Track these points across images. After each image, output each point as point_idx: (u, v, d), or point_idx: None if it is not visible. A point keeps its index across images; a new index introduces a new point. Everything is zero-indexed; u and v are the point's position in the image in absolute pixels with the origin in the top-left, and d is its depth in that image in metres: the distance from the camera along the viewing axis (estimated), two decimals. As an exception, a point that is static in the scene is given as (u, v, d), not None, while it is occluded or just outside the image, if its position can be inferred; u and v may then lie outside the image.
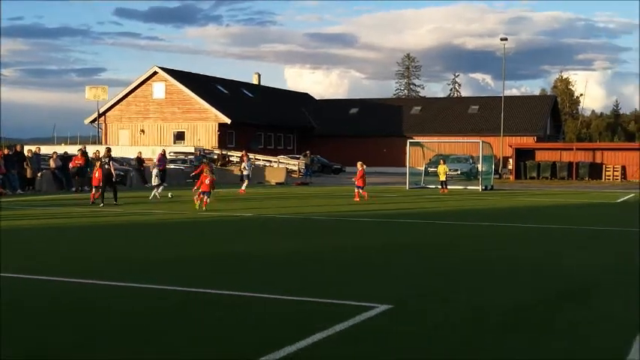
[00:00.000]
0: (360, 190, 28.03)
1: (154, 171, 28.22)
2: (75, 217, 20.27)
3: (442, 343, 6.88)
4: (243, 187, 32.44)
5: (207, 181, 22.49)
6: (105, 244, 14.21)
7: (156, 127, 61.35)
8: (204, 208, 22.05)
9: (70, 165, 33.29)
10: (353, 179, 30.33)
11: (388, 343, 6.85)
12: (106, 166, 24.14)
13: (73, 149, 42.24)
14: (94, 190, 24.82)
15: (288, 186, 40.36)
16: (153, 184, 27.95)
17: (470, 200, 28.83)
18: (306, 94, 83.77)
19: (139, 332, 7.24)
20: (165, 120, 61.09)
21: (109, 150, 25.24)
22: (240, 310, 8.30)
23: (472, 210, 24.11)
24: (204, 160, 34.72)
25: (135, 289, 9.45)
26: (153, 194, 26.99)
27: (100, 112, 62.01)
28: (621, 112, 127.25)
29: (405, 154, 41.65)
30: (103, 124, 62.73)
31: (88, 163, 32.65)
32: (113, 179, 24.66)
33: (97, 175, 24.36)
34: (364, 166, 28.91)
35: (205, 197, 22.42)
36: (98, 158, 26.12)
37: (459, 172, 49.58)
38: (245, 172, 34.44)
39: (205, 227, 18.22)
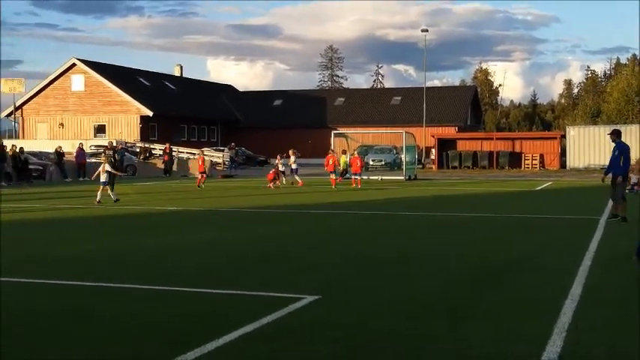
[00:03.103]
0: (357, 177, 31.29)
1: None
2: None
3: (372, 332, 6.90)
4: (298, 179, 31.81)
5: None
6: (22, 240, 13.80)
7: (75, 120, 59.95)
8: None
9: None
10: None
11: (318, 333, 6.83)
12: (112, 160, 26.10)
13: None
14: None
15: (213, 178, 40.02)
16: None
17: (394, 190, 29.10)
18: (230, 85, 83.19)
19: (53, 330, 7.03)
20: (85, 113, 59.74)
21: (111, 144, 28.02)
22: (163, 304, 8.16)
23: (397, 199, 24.34)
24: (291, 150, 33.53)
25: (47, 286, 9.20)
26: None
27: (17, 106, 60.19)
28: (538, 102, 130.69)
29: (330, 145, 41.77)
30: (20, 118, 60.96)
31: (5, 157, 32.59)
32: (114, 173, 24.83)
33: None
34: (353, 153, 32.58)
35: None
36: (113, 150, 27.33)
37: (383, 162, 50.03)
38: (294, 166, 32.70)
39: (128, 221, 17.89)
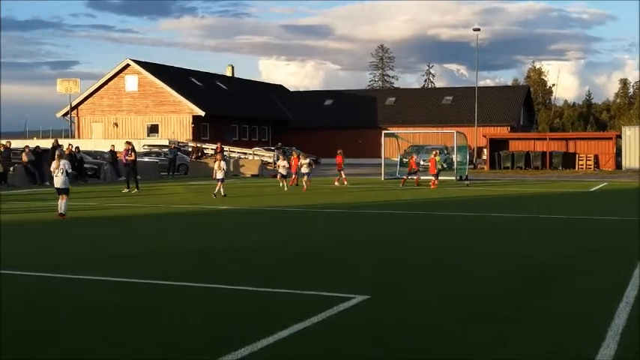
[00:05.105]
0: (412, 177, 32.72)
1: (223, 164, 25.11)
2: (51, 210, 20.00)
3: (421, 332, 6.87)
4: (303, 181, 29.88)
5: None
6: (78, 239, 14.06)
7: (129, 120, 60.88)
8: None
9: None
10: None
11: (368, 333, 6.82)
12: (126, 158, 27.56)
13: (45, 143, 41.84)
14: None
15: (263, 178, 40.25)
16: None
17: (445, 190, 28.87)
18: (281, 85, 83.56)
19: (103, 327, 7.15)
20: (138, 113, 60.61)
21: (128, 143, 28.65)
22: (214, 302, 8.24)
23: (449, 200, 24.16)
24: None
25: (101, 283, 9.35)
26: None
27: (73, 106, 61.36)
28: (593, 101, 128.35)
29: (380, 145, 41.65)
30: (76, 118, 62.10)
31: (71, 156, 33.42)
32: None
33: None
34: (413, 157, 33.90)
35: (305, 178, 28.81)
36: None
37: (433, 162, 49.63)
38: (304, 170, 30.08)
39: (175, 220, 18.10)
